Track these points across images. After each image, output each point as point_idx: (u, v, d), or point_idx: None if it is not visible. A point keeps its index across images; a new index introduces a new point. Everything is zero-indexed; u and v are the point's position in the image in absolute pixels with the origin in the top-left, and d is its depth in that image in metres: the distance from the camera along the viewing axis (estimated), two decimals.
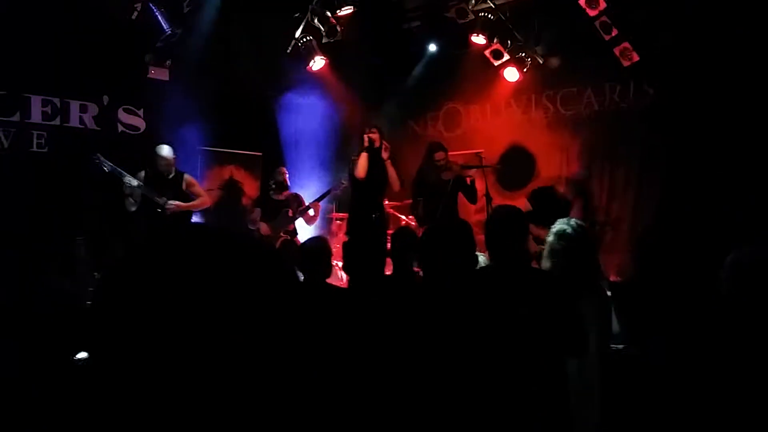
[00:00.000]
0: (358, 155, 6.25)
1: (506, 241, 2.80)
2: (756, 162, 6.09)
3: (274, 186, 7.33)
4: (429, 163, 6.49)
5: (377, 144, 6.22)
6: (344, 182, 6.79)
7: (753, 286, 2.42)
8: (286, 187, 7.35)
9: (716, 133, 6.37)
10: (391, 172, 6.33)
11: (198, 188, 6.68)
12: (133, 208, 6.24)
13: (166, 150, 6.38)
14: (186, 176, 6.56)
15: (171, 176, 6.41)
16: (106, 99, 7.63)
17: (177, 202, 6.33)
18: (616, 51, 6.97)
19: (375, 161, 6.27)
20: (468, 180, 6.42)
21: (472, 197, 6.50)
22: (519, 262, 2.81)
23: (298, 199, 7.39)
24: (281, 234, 7.01)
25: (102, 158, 6.11)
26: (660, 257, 2.75)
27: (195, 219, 6.78)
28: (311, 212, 7.31)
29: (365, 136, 6.23)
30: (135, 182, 6.14)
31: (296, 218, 7.23)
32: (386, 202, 6.94)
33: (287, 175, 7.37)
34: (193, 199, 6.52)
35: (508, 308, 2.63)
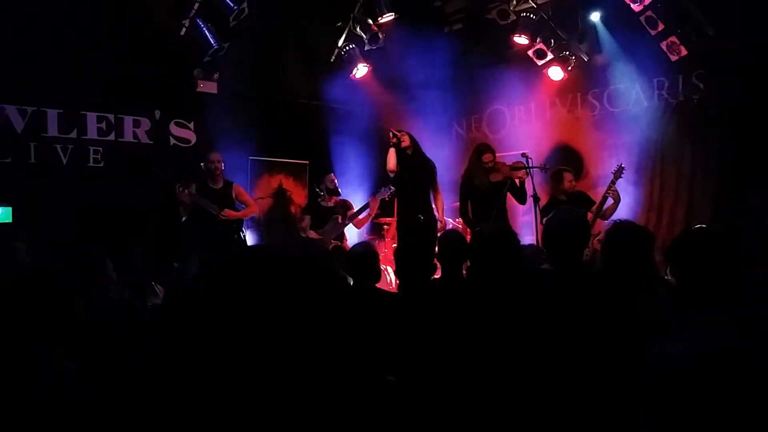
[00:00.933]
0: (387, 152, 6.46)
1: (568, 245, 2.78)
2: None
3: (323, 193, 7.44)
4: (477, 165, 6.50)
5: (405, 143, 6.32)
6: (392, 188, 6.88)
7: None
8: (337, 194, 7.44)
9: None
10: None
11: (246, 197, 6.87)
12: (184, 218, 6.44)
13: (214, 154, 6.62)
14: (235, 185, 6.75)
15: (220, 186, 6.59)
16: (157, 113, 7.87)
17: (229, 210, 6.51)
18: (663, 45, 6.83)
19: (411, 163, 6.36)
20: (518, 181, 6.41)
21: (522, 198, 6.49)
22: (576, 265, 2.79)
23: (345, 204, 7.47)
24: (331, 241, 7.10)
25: (160, 170, 6.34)
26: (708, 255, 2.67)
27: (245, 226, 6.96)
28: (362, 216, 7.38)
29: (390, 132, 6.44)
30: (187, 190, 6.33)
31: (346, 225, 7.31)
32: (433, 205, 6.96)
33: (337, 182, 7.47)
34: (242, 208, 6.69)
35: (565, 311, 2.62)
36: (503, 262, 2.83)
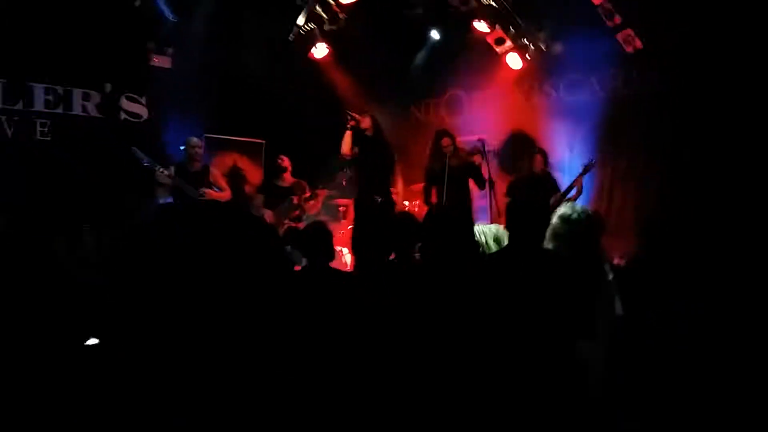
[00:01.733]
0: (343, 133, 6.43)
1: (528, 227, 2.83)
2: (760, 149, 6.06)
3: (276, 172, 7.35)
4: (436, 150, 6.54)
5: (365, 125, 6.32)
6: (349, 172, 6.89)
7: None
8: (283, 170, 7.36)
9: (720, 121, 6.35)
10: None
11: (222, 181, 6.97)
12: (162, 200, 6.60)
13: (195, 139, 6.77)
14: (211, 169, 6.91)
15: (198, 169, 6.71)
16: (108, 87, 7.66)
17: (209, 190, 6.65)
18: (619, 37, 6.94)
19: (370, 145, 6.35)
20: (480, 160, 6.50)
21: (481, 182, 6.54)
22: (534, 245, 2.83)
23: (301, 186, 7.41)
24: (284, 222, 7.03)
25: (138, 152, 6.32)
26: (664, 242, 2.75)
27: None
28: (314, 201, 7.35)
29: (347, 114, 6.45)
30: (168, 172, 6.46)
31: (300, 206, 7.25)
32: (392, 189, 6.96)
33: (287, 161, 7.38)
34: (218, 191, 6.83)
35: (522, 290, 2.65)
36: (453, 240, 2.84)
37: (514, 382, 2.53)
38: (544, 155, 7.06)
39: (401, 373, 2.82)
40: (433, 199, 6.61)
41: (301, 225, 7.14)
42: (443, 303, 2.69)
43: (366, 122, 6.37)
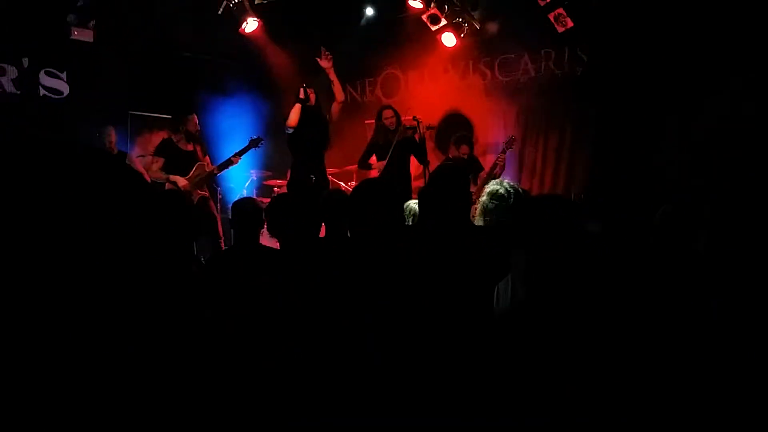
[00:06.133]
0: (292, 106, 6.22)
1: (446, 197, 2.81)
2: (684, 128, 6.24)
3: (182, 136, 6.70)
4: (379, 123, 6.50)
5: (312, 102, 6.18)
6: (261, 138, 6.78)
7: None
8: (197, 138, 6.83)
9: (646, 100, 6.50)
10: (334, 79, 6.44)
11: (138, 165, 6.80)
12: None
13: (110, 128, 6.63)
14: (129, 155, 6.91)
15: (115, 154, 6.59)
16: (26, 61, 7.30)
17: None
18: (551, 17, 7.00)
19: (312, 121, 6.21)
20: (417, 137, 6.39)
21: (424, 159, 6.43)
22: (456, 218, 2.81)
23: (204, 150, 6.93)
24: (198, 191, 6.62)
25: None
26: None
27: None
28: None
29: (300, 88, 6.22)
30: None
31: (215, 173, 6.86)
32: (328, 169, 6.82)
33: (197, 123, 6.79)
34: None
35: (442, 262, 2.63)
36: (382, 213, 2.79)
37: (434, 353, 2.51)
38: (471, 145, 7.11)
39: (327, 348, 2.77)
40: (373, 162, 6.56)
41: (205, 191, 6.78)
42: (367, 277, 2.64)
43: (313, 97, 6.24)
